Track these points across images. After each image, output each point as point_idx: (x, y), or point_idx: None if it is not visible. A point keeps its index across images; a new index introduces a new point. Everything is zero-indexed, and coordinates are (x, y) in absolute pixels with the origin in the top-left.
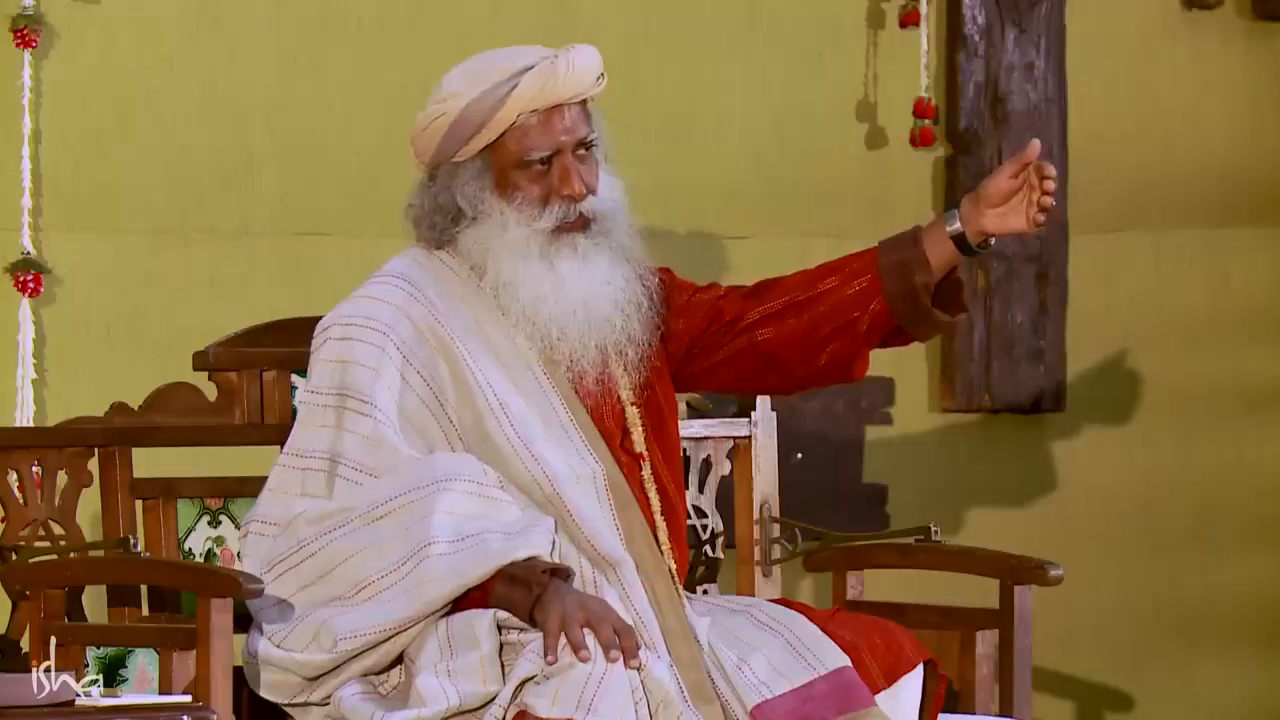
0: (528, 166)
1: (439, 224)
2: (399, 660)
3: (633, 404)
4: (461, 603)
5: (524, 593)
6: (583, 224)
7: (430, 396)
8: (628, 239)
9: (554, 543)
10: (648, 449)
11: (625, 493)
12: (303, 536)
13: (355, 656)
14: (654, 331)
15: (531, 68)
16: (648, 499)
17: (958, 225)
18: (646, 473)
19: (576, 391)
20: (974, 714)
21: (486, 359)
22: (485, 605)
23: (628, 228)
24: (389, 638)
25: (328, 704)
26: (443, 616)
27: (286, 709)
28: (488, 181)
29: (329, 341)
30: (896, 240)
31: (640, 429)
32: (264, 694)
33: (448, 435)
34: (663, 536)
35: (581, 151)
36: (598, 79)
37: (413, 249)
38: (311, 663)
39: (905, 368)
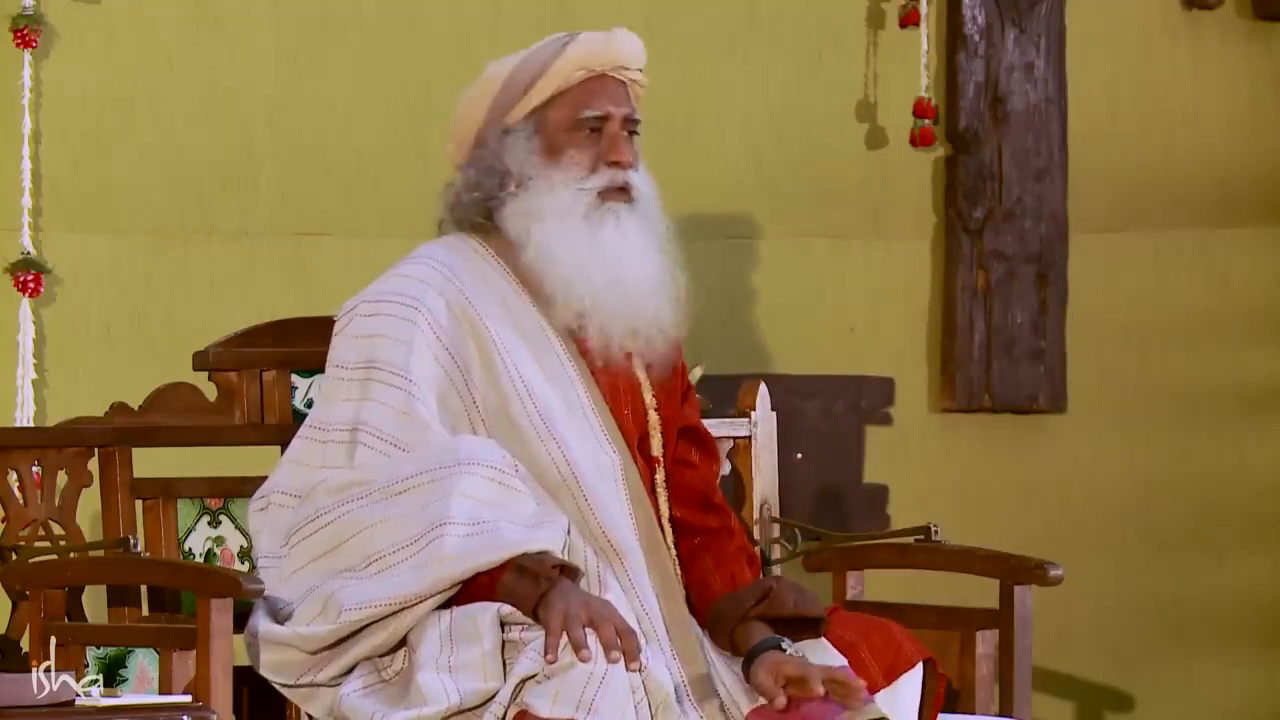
0: (579, 128)
1: (487, 189)
2: (404, 642)
3: (655, 409)
4: (468, 588)
5: (531, 586)
6: (627, 195)
7: (456, 374)
8: (664, 229)
9: (565, 542)
10: (663, 456)
11: (640, 488)
12: (320, 505)
13: (361, 632)
14: (680, 339)
15: (584, 33)
16: (657, 502)
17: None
18: (659, 478)
19: (600, 383)
20: (974, 714)
21: (514, 342)
22: (491, 593)
23: (662, 219)
24: (395, 612)
25: (337, 684)
26: (445, 608)
27: (292, 693)
28: (536, 145)
29: (357, 319)
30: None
31: (659, 435)
32: (267, 674)
33: (470, 415)
34: (669, 540)
35: (628, 131)
36: (641, 69)
37: (445, 237)
38: (315, 635)
39: (905, 368)
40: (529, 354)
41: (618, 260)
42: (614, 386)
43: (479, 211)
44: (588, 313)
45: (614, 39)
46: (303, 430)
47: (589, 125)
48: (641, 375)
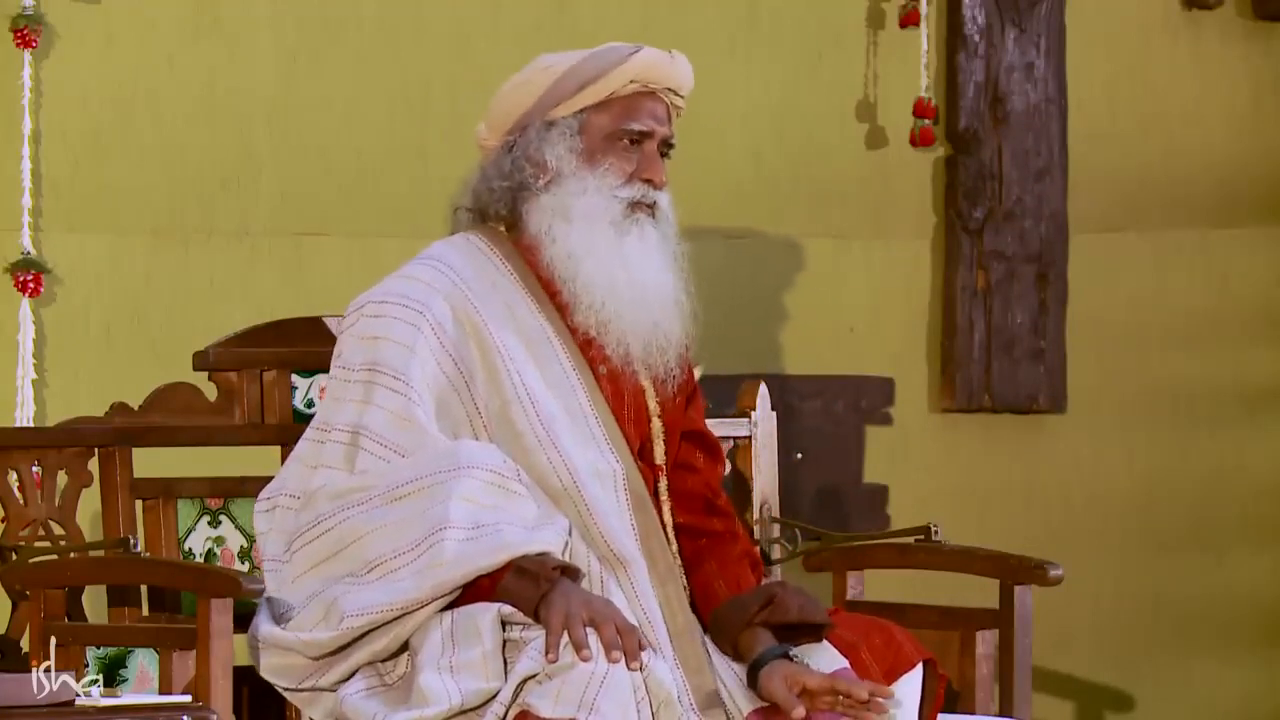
0: (620, 139)
1: (520, 179)
2: (406, 647)
3: (658, 416)
4: (469, 591)
5: (532, 587)
6: (652, 211)
7: (458, 379)
8: (679, 249)
9: (566, 544)
10: (665, 463)
11: (643, 495)
12: (320, 511)
13: (364, 638)
14: (686, 351)
15: (648, 48)
16: (660, 509)
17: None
18: (662, 485)
19: (604, 389)
20: (974, 714)
21: (518, 349)
22: (492, 595)
23: (678, 240)
24: (396, 618)
25: (339, 689)
26: (447, 610)
27: (294, 697)
28: (577, 145)
29: (363, 319)
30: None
31: (662, 443)
32: (269, 677)
33: (471, 420)
34: (673, 548)
35: (664, 150)
36: (684, 97)
37: (453, 237)
38: (316, 641)
39: (905, 368)
40: (532, 361)
41: (640, 271)
42: (618, 392)
43: (505, 201)
44: (610, 321)
45: (677, 61)
46: (308, 431)
47: (630, 137)
48: (646, 382)
